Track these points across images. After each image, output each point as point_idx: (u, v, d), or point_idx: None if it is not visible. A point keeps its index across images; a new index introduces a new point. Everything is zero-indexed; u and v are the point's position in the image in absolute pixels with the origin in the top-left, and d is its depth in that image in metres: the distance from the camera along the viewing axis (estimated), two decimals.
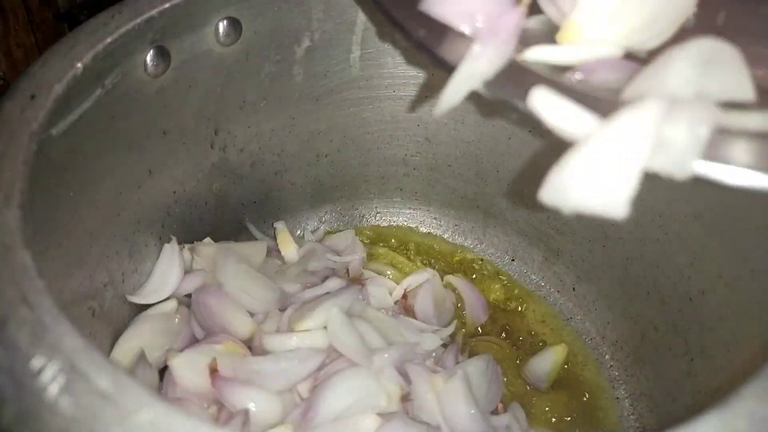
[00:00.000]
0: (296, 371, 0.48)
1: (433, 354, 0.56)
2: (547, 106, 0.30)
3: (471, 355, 0.59)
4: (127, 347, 0.51)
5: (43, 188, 0.40)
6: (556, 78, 0.33)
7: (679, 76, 0.29)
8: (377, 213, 0.74)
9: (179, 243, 0.57)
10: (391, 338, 0.54)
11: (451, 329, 0.60)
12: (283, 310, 0.55)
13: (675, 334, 0.56)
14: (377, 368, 0.49)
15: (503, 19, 0.34)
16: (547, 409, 0.59)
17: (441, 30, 0.35)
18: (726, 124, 0.29)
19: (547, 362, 0.61)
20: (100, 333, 0.49)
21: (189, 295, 0.55)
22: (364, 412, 0.47)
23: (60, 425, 0.28)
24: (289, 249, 0.63)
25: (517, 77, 0.32)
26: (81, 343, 0.30)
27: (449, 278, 0.67)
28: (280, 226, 0.65)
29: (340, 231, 0.71)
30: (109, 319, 0.50)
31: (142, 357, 0.50)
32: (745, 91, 0.30)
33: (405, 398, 0.49)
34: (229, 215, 0.64)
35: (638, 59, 0.35)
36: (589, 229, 0.63)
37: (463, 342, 0.61)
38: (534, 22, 0.36)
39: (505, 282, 0.70)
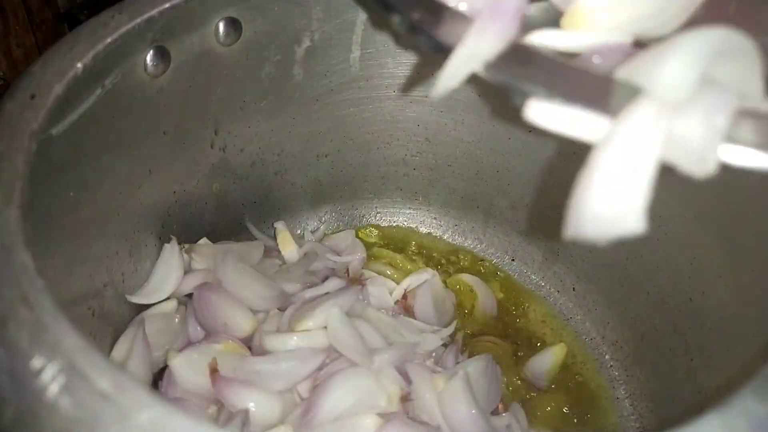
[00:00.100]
0: (296, 371, 0.48)
1: (433, 354, 0.56)
2: (548, 115, 0.29)
3: (471, 355, 0.59)
4: (127, 347, 0.51)
5: (43, 188, 0.40)
6: (562, 60, 0.31)
7: (679, 69, 0.27)
8: (377, 213, 0.74)
9: (179, 243, 0.57)
10: (391, 338, 0.54)
11: (451, 329, 0.60)
12: (283, 310, 0.55)
13: (675, 334, 0.56)
14: (377, 368, 0.49)
15: None
16: (547, 409, 0.59)
17: (436, 12, 0.33)
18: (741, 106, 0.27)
19: (546, 361, 0.61)
20: (100, 333, 0.49)
21: (189, 295, 0.55)
22: (365, 412, 0.47)
23: (60, 425, 0.28)
24: (289, 249, 0.63)
25: (520, 59, 0.30)
26: (81, 343, 0.29)
27: (461, 276, 0.67)
28: (280, 226, 0.65)
29: (340, 231, 0.71)
30: (109, 319, 0.50)
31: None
32: (755, 89, 0.29)
33: (405, 398, 0.49)
34: (228, 215, 0.64)
35: (648, 47, 0.33)
36: None
37: (463, 342, 0.61)
38: (535, 9, 0.35)
39: (505, 282, 0.70)
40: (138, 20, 0.46)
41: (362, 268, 0.65)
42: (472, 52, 0.30)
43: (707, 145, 0.26)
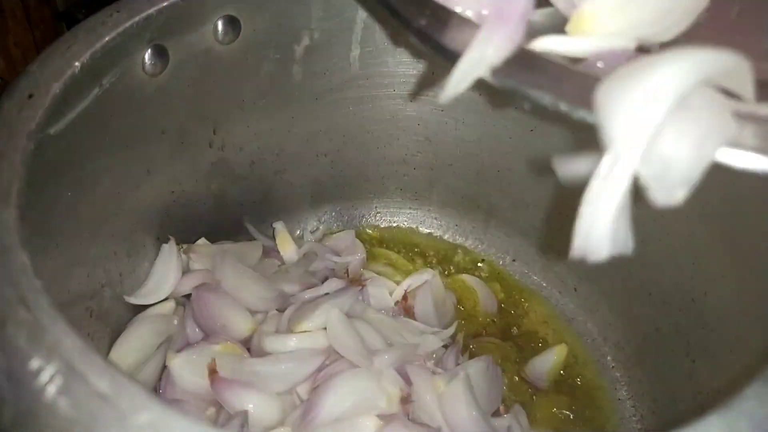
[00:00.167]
0: (296, 372, 0.48)
1: (434, 355, 0.56)
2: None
3: (472, 356, 0.58)
4: (125, 348, 0.50)
5: (40, 188, 0.39)
6: (568, 65, 0.32)
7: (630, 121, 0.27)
8: (377, 213, 0.74)
9: (177, 243, 0.57)
10: (391, 339, 0.54)
11: (451, 331, 0.60)
12: (282, 310, 0.54)
13: (677, 335, 0.56)
14: (377, 370, 0.49)
15: (511, 4, 0.32)
16: (548, 410, 0.59)
17: (442, 18, 0.34)
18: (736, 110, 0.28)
19: (547, 361, 0.61)
20: (98, 334, 0.49)
21: (187, 296, 0.55)
22: (364, 413, 0.46)
23: (58, 426, 0.28)
24: (288, 249, 0.63)
25: (526, 64, 0.31)
26: (79, 343, 0.29)
27: (461, 277, 0.67)
28: (279, 227, 0.65)
29: (340, 231, 0.70)
30: (107, 320, 0.50)
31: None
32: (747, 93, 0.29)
33: (405, 400, 0.49)
34: (227, 215, 0.64)
35: (651, 52, 0.34)
36: None
37: (464, 343, 0.61)
38: (539, 15, 0.35)
39: (506, 282, 0.69)
40: (136, 19, 0.46)
41: (362, 269, 0.65)
42: (479, 58, 0.31)
43: (690, 171, 0.27)
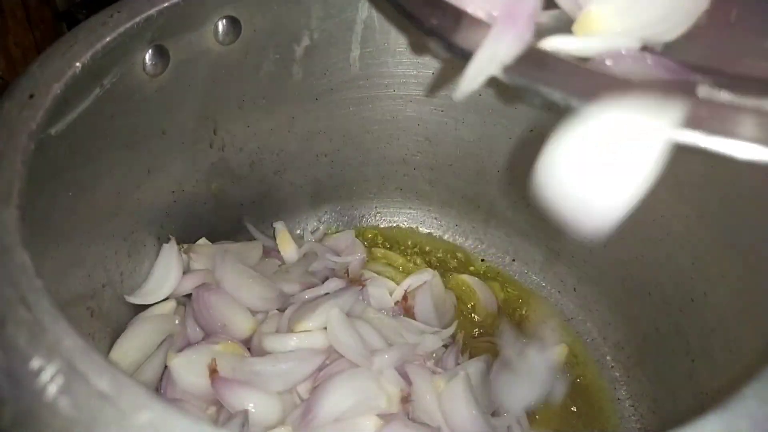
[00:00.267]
0: (296, 372, 0.48)
1: (434, 355, 0.56)
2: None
3: (471, 356, 0.58)
4: (125, 348, 0.50)
5: (41, 188, 0.40)
6: (576, 62, 0.33)
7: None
8: (377, 213, 0.74)
9: (178, 243, 0.57)
10: (391, 339, 0.54)
11: (451, 330, 0.60)
12: (282, 310, 0.54)
13: (676, 335, 0.56)
14: (377, 369, 0.49)
15: (520, 5, 0.34)
16: (547, 410, 0.59)
17: (453, 18, 0.35)
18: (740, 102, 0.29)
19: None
20: (98, 333, 0.49)
21: (188, 296, 0.55)
22: (365, 413, 0.47)
23: (59, 426, 0.28)
24: (288, 249, 0.63)
25: (535, 62, 0.32)
26: (80, 343, 0.29)
27: (461, 277, 0.67)
28: (279, 226, 0.65)
29: (340, 231, 0.70)
30: (107, 320, 0.50)
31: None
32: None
33: (405, 399, 0.49)
34: (227, 215, 0.64)
35: (654, 51, 0.35)
36: None
37: (464, 343, 0.61)
38: (547, 17, 0.36)
39: (506, 282, 0.69)
40: (137, 19, 0.46)
41: (362, 269, 0.65)
42: (491, 56, 0.32)
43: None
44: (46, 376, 0.28)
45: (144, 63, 0.48)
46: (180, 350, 0.50)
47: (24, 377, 0.29)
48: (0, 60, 0.84)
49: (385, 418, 0.46)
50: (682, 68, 0.33)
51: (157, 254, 0.56)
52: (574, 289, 0.67)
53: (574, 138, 0.29)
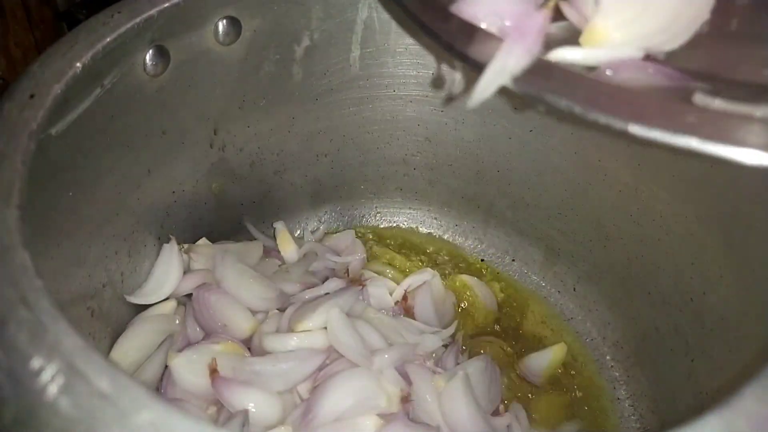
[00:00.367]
0: (296, 372, 0.48)
1: (434, 355, 0.56)
2: None
3: (471, 355, 0.59)
4: (126, 348, 0.51)
5: (42, 188, 0.40)
6: (581, 73, 0.35)
7: None
8: (377, 213, 0.74)
9: (178, 243, 0.57)
10: (391, 339, 0.54)
11: (451, 330, 0.60)
12: (282, 310, 0.54)
13: (676, 335, 0.56)
14: (377, 369, 0.49)
15: (530, 20, 0.37)
16: (547, 409, 0.59)
17: (468, 33, 0.38)
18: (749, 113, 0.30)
19: (544, 359, 0.61)
20: (99, 333, 0.49)
21: (188, 295, 0.55)
22: (365, 413, 0.47)
23: (59, 426, 0.28)
24: (288, 249, 0.63)
25: (544, 73, 0.34)
26: (80, 343, 0.29)
27: (461, 277, 0.67)
28: (279, 226, 0.65)
29: (340, 231, 0.70)
30: (108, 320, 0.50)
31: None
32: None
33: (405, 399, 0.49)
34: (228, 215, 0.64)
35: (657, 60, 0.36)
36: (590, 229, 0.63)
37: (463, 343, 0.61)
38: (555, 28, 0.39)
39: (506, 282, 0.69)
40: (137, 19, 0.46)
41: (362, 269, 0.65)
42: (502, 68, 0.35)
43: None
44: (46, 375, 0.28)
45: (144, 63, 0.48)
46: (180, 350, 0.50)
47: (24, 377, 0.29)
48: (0, 60, 0.84)
49: (385, 417, 0.46)
50: (684, 76, 0.35)
51: (158, 254, 0.56)
52: (574, 289, 0.67)
53: None
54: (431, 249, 0.72)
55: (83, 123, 0.43)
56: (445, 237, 0.73)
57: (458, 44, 0.37)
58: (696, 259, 0.53)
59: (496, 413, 0.54)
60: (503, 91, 0.35)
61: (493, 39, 0.37)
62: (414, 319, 0.60)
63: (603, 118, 0.32)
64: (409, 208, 0.74)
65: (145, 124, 0.51)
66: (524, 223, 0.68)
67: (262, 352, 0.50)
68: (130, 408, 0.27)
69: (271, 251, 0.63)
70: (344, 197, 0.72)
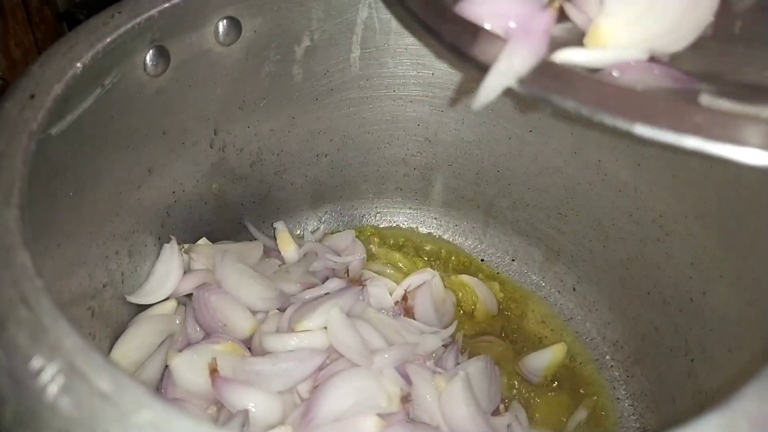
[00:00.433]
0: (296, 372, 0.48)
1: (434, 355, 0.56)
2: None
3: (471, 355, 0.58)
4: (126, 348, 0.51)
5: (42, 188, 0.40)
6: (586, 74, 0.35)
7: None
8: (377, 213, 0.74)
9: (178, 243, 0.57)
10: (391, 339, 0.54)
11: (451, 330, 0.60)
12: (282, 310, 0.54)
13: (676, 335, 0.56)
14: (377, 369, 0.49)
15: (534, 20, 0.36)
16: (547, 409, 0.59)
17: (472, 33, 0.37)
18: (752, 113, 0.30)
19: (543, 359, 0.61)
20: (99, 333, 0.49)
21: (188, 295, 0.55)
22: (365, 413, 0.47)
23: (59, 426, 0.28)
24: (288, 249, 0.63)
25: (549, 74, 0.34)
26: (80, 343, 0.29)
27: (461, 277, 0.67)
28: (279, 226, 0.65)
29: (340, 231, 0.70)
30: (108, 320, 0.50)
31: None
32: None
33: (405, 399, 0.49)
34: (228, 215, 0.64)
35: (661, 62, 0.37)
36: (590, 229, 0.63)
37: (463, 343, 0.61)
38: (560, 30, 0.39)
39: (506, 282, 0.69)
40: (137, 20, 0.46)
41: (362, 269, 0.65)
42: (507, 69, 0.34)
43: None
44: (46, 375, 0.29)
45: (145, 63, 0.48)
46: (180, 350, 0.50)
47: (25, 377, 0.29)
48: (1, 60, 0.84)
49: (386, 417, 0.46)
50: (688, 77, 0.35)
51: (158, 254, 0.56)
52: (574, 289, 0.67)
53: None
54: (431, 249, 0.72)
55: (83, 123, 0.43)
56: (445, 237, 0.73)
57: (462, 45, 0.37)
58: (696, 259, 0.53)
59: (496, 413, 0.54)
60: (508, 93, 0.35)
61: (497, 40, 0.36)
62: (414, 319, 0.60)
63: (610, 119, 0.32)
64: (409, 208, 0.74)
65: (146, 125, 0.51)
66: (524, 223, 0.68)
67: (262, 352, 0.50)
68: (131, 408, 0.27)
69: (271, 251, 0.63)
70: (344, 197, 0.72)
